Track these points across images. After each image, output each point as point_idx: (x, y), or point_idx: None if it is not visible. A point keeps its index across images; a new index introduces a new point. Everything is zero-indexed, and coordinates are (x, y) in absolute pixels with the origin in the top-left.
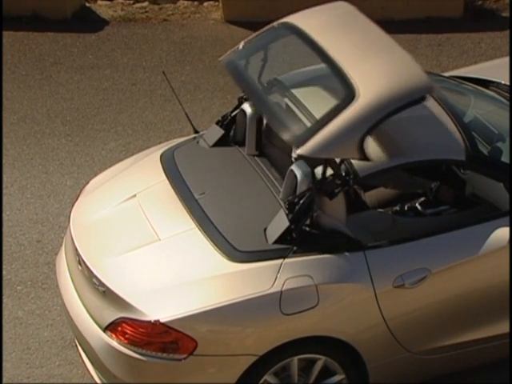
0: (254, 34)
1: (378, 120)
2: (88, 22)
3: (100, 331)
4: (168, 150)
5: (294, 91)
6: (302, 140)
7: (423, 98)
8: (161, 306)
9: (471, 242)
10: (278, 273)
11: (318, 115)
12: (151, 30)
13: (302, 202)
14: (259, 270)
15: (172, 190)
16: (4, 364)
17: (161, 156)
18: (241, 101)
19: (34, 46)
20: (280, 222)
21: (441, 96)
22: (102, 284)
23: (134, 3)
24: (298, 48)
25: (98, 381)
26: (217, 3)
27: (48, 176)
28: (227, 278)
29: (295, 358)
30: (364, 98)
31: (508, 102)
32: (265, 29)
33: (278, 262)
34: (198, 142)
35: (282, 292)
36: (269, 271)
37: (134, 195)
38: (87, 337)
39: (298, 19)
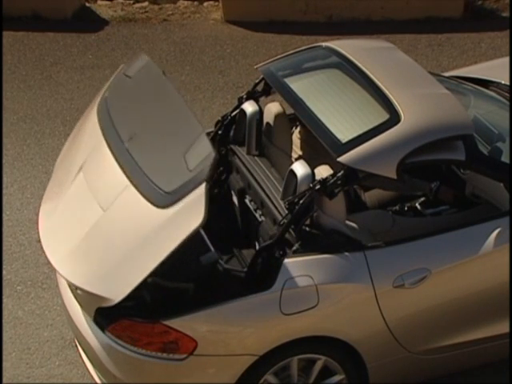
0: (293, 51)
1: (419, 146)
2: (88, 22)
3: (100, 331)
4: (102, 98)
5: (335, 105)
6: (344, 149)
7: (463, 137)
8: (116, 284)
9: (471, 241)
10: (204, 202)
11: (360, 129)
12: (151, 30)
13: (301, 202)
14: (185, 207)
15: (107, 147)
16: (4, 364)
17: (97, 107)
18: (241, 101)
19: (34, 46)
20: (201, 148)
21: None
22: (68, 281)
23: (134, 3)
24: (341, 69)
25: (98, 381)
26: (217, 3)
27: (48, 176)
28: (162, 227)
29: (295, 358)
30: (408, 121)
31: (508, 102)
32: (304, 48)
33: (201, 188)
34: (129, 77)
35: (282, 292)
36: (195, 203)
37: (81, 167)
38: (87, 337)
39: (340, 44)
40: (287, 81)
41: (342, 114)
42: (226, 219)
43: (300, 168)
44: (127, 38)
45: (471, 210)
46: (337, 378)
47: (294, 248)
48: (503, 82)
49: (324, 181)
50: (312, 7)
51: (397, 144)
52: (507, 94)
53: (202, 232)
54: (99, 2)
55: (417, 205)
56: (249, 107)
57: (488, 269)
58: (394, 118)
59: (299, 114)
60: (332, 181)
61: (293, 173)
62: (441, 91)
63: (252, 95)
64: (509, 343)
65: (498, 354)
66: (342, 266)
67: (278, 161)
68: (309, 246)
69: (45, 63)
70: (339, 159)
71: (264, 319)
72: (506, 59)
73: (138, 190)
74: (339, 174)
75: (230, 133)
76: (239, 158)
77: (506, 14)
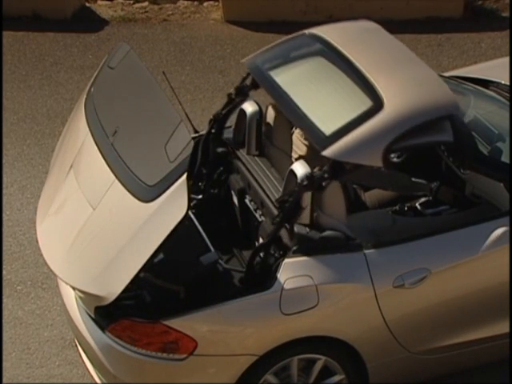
0: (278, 41)
1: (403, 132)
2: (88, 22)
3: (100, 331)
4: (88, 94)
5: (319, 95)
6: (327, 142)
7: (450, 117)
8: (110, 282)
9: (471, 241)
10: (187, 194)
11: (344, 120)
12: (151, 30)
13: (291, 199)
14: (168, 200)
15: (93, 143)
16: (4, 364)
17: (84, 103)
18: (230, 97)
19: (34, 46)
20: (180, 137)
21: None
22: (66, 283)
23: (133, 3)
24: (325, 56)
25: (97, 381)
26: (217, 3)
27: None
28: (148, 222)
29: (295, 358)
30: (390, 108)
31: (508, 102)
32: (289, 37)
33: (181, 179)
34: (112, 68)
35: (281, 292)
36: (177, 195)
37: (71, 166)
38: (87, 337)
39: (324, 31)
40: (272, 73)
41: (325, 105)
42: (226, 219)
43: (300, 168)
44: (127, 38)
45: (471, 209)
46: (337, 378)
47: (294, 248)
48: (503, 82)
49: (311, 176)
50: (312, 7)
51: (380, 132)
52: (507, 94)
53: (202, 232)
54: (99, 2)
55: (417, 205)
56: (249, 107)
57: (488, 269)
58: (376, 105)
59: (283, 109)
60: (319, 175)
61: (293, 173)
62: (424, 71)
63: (241, 90)
64: (509, 343)
65: (498, 354)
66: (342, 266)
67: (278, 161)
68: (309, 245)
69: (45, 63)
70: (323, 153)
71: (264, 319)
72: (506, 59)
73: (124, 186)
74: (325, 168)
75: (223, 130)
76: (239, 158)
77: (505, 14)
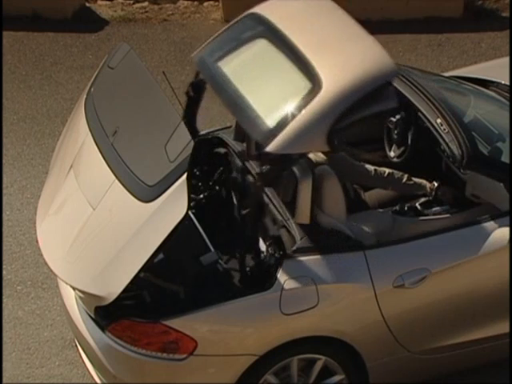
0: (224, 28)
1: (343, 111)
2: (88, 22)
3: (100, 331)
4: (88, 94)
5: (259, 84)
6: (269, 137)
7: (389, 84)
8: (110, 283)
9: (471, 241)
10: (187, 194)
11: (284, 110)
12: (151, 30)
13: (252, 201)
14: (168, 200)
15: (93, 143)
16: (4, 364)
17: (84, 103)
18: (188, 95)
19: (34, 46)
20: (180, 137)
21: None
22: (66, 283)
23: (133, 3)
24: (267, 38)
25: (98, 381)
26: (217, 3)
27: None
28: (148, 222)
29: (295, 358)
30: (327, 89)
31: (508, 102)
32: (234, 21)
33: (181, 179)
34: (112, 68)
35: (282, 292)
36: (177, 195)
37: (71, 166)
38: (87, 337)
39: (266, 9)
40: (221, 64)
41: (269, 92)
42: (226, 219)
43: (300, 168)
44: (127, 38)
45: (471, 209)
46: (337, 378)
47: (294, 248)
48: (503, 82)
49: (261, 173)
50: None
51: (320, 115)
52: (507, 94)
53: (202, 232)
54: (99, 2)
55: (417, 205)
56: None
57: (488, 269)
58: (316, 87)
59: (225, 104)
60: (267, 170)
61: (293, 173)
62: (363, 42)
63: (197, 86)
64: (509, 343)
65: (498, 354)
66: (342, 266)
67: None
68: (309, 245)
69: (45, 63)
70: (267, 149)
71: (264, 319)
72: (506, 59)
73: (124, 186)
74: (272, 162)
75: (194, 131)
76: (239, 157)
77: (506, 14)
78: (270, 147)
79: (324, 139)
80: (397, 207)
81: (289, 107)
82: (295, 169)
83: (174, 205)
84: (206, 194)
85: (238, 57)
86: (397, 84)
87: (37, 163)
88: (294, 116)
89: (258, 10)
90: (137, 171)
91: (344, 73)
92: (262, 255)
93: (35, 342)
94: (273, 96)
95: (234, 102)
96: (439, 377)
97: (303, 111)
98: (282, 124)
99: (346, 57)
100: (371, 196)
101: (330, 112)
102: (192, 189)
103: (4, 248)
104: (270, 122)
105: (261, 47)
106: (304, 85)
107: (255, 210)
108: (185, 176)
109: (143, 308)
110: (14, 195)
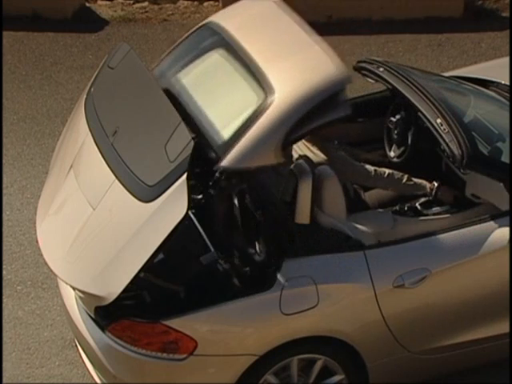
0: (182, 38)
1: (295, 123)
2: (88, 22)
3: (100, 331)
4: (88, 94)
5: (216, 96)
6: (223, 152)
7: (342, 91)
8: (109, 283)
9: (471, 241)
10: (187, 194)
11: (240, 120)
12: (151, 30)
13: (216, 208)
14: (168, 200)
15: (93, 143)
16: (4, 364)
17: (84, 103)
18: None
19: (34, 46)
20: (180, 137)
21: None
22: (66, 283)
23: (133, 3)
24: (224, 48)
25: (98, 381)
26: (217, 3)
27: None
28: (148, 222)
29: (295, 358)
30: (280, 100)
31: (508, 102)
32: (192, 31)
33: (182, 179)
34: (112, 68)
35: (281, 292)
36: (177, 195)
37: (71, 166)
38: (87, 337)
39: (222, 18)
40: (180, 76)
41: (225, 104)
42: (226, 219)
43: (300, 168)
44: (127, 38)
45: (471, 210)
46: (337, 378)
47: (294, 248)
48: (503, 82)
49: (218, 182)
50: (312, 7)
51: (272, 128)
52: (507, 94)
53: (202, 232)
54: (99, 2)
55: (417, 205)
56: None
57: (488, 269)
58: (269, 98)
59: (183, 116)
60: (225, 183)
61: (293, 173)
62: (316, 50)
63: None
64: (509, 343)
65: (498, 354)
66: (342, 265)
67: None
68: (309, 245)
69: (45, 63)
70: (221, 165)
71: (264, 319)
72: (506, 59)
73: (124, 186)
74: (227, 174)
75: None
76: None
77: (506, 14)
78: (224, 163)
79: (275, 153)
80: (397, 207)
81: (243, 118)
82: (295, 169)
83: (174, 205)
84: (205, 194)
85: (197, 68)
86: (397, 84)
87: (37, 163)
88: (248, 127)
89: (214, 18)
90: (137, 171)
91: (295, 84)
92: (262, 255)
93: (35, 342)
94: (228, 108)
95: (195, 115)
96: (439, 377)
97: (258, 122)
98: (236, 136)
99: (297, 66)
100: (371, 196)
101: (280, 125)
102: (192, 189)
103: (4, 248)
104: (226, 134)
105: (217, 58)
106: (258, 95)
107: (217, 217)
108: (185, 176)
109: (143, 308)
110: (14, 195)
